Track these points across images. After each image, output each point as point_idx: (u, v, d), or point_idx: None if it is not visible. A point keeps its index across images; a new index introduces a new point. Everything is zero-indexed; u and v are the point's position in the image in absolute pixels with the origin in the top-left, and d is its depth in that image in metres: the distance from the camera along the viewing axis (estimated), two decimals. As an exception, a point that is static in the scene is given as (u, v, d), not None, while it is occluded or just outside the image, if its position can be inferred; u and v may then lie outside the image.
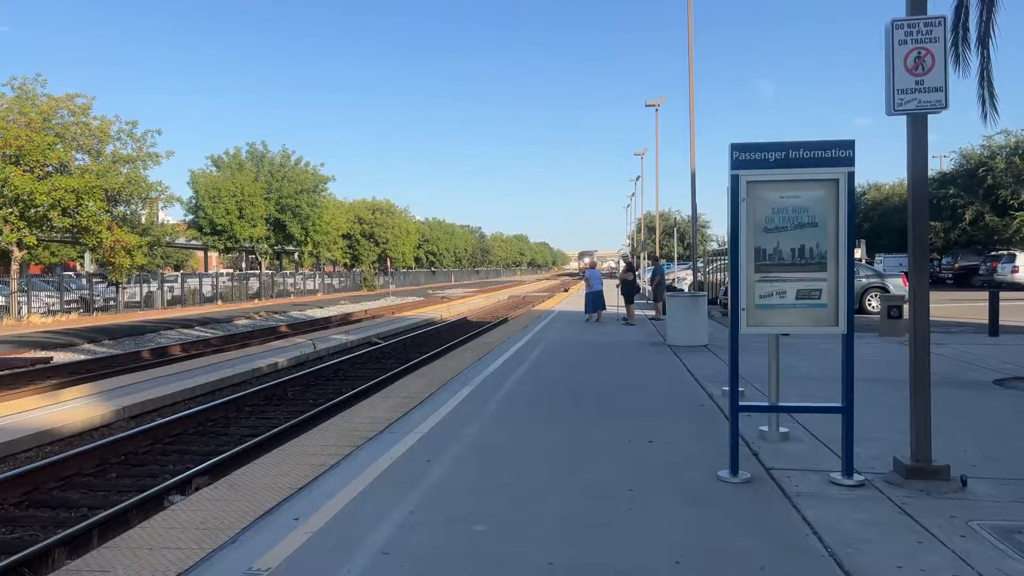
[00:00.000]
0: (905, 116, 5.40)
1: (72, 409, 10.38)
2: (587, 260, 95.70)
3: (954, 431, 6.61)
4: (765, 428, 6.71)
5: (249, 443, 8.69)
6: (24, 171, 29.01)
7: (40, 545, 5.57)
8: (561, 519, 4.65)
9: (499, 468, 5.82)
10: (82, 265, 47.02)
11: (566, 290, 53.91)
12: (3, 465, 8.22)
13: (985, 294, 16.85)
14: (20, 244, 29.93)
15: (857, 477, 5.32)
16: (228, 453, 8.23)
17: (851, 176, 5.26)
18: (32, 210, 29.57)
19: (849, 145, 5.30)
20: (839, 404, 5.40)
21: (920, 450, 5.33)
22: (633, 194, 66.87)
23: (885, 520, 4.58)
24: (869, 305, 21.57)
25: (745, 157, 5.39)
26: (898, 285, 21.52)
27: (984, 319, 15.47)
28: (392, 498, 5.07)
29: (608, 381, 10.28)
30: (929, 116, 5.43)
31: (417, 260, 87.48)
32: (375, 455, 6.27)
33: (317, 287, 57.20)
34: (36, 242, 30.73)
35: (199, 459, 8.33)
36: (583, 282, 23.06)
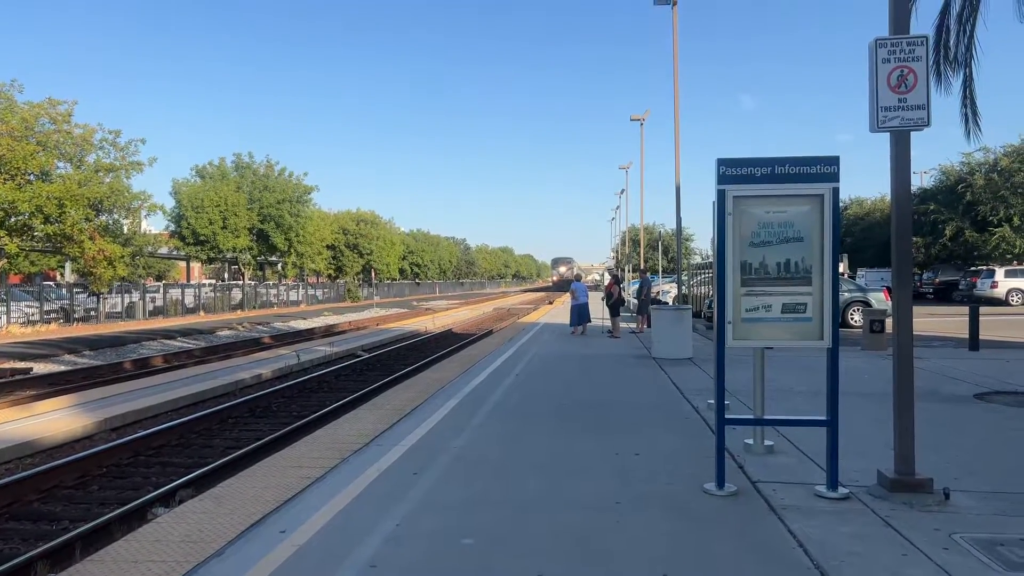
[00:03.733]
0: (888, 133, 5.49)
1: (52, 421, 10.26)
2: (563, 269, 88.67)
3: (936, 445, 6.67)
4: (751, 441, 6.75)
5: (233, 455, 8.62)
6: (4, 179, 28.75)
7: (22, 558, 5.50)
8: (548, 532, 4.65)
9: (486, 481, 5.82)
10: (62, 275, 46.56)
11: (551, 302, 53.99)
12: (-18, 477, 8.10)
13: (965, 309, 17.05)
14: (0, 253, 29.61)
15: (842, 490, 5.36)
16: (212, 465, 8.17)
17: (836, 192, 5.34)
18: (13, 218, 29.28)
19: (834, 161, 5.38)
20: (824, 418, 5.45)
21: (903, 463, 5.38)
22: (618, 207, 67.31)
23: (870, 533, 4.61)
24: (852, 319, 21.76)
25: (732, 172, 5.45)
26: (880, 299, 21.72)
27: (964, 334, 15.63)
28: (379, 511, 5.05)
29: (594, 394, 10.30)
30: (912, 133, 5.52)
31: (401, 271, 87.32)
32: (362, 467, 6.24)
33: (300, 298, 56.97)
34: (17, 250, 30.41)
35: (183, 471, 8.26)
36: (568, 295, 23.08)
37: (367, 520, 4.86)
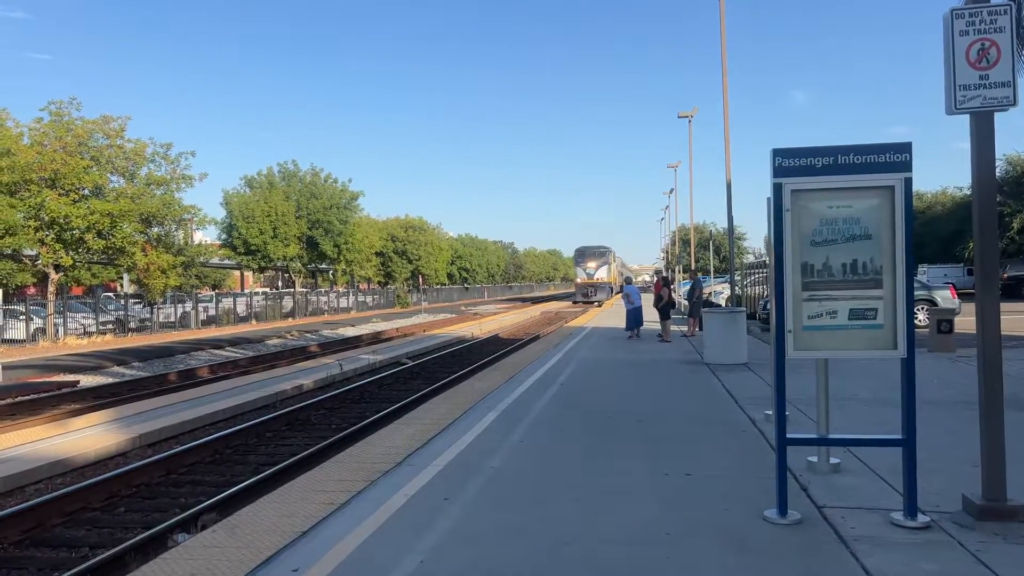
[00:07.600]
0: (968, 115, 4.85)
1: (88, 437, 10.09)
2: (592, 265, 62.74)
3: (1026, 462, 5.97)
4: (814, 459, 6.14)
5: (261, 475, 8.27)
6: (60, 194, 29.34)
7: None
8: (589, 568, 4.16)
9: (522, 507, 5.34)
10: (122, 286, 47.55)
11: (599, 304, 53.23)
12: (10, 499, 7.89)
13: (1041, 306, 15.96)
14: (57, 266, 30.21)
15: (922, 518, 4.75)
16: (239, 487, 7.81)
17: (908, 182, 4.72)
18: (68, 232, 29.85)
19: (906, 148, 4.77)
20: (899, 436, 4.83)
21: (993, 488, 4.74)
22: (667, 207, 66.16)
23: (957, 571, 4.03)
24: (916, 319, 20.70)
25: (789, 164, 4.89)
26: (947, 297, 20.62)
27: (1041, 332, 14.60)
28: (403, 543, 4.61)
29: (642, 404, 9.74)
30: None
31: (450, 276, 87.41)
32: (390, 491, 5.81)
33: (350, 305, 57.22)
34: (72, 263, 30.99)
35: (213, 491, 7.95)
36: (620, 297, 22.48)
37: (388, 555, 4.42)
